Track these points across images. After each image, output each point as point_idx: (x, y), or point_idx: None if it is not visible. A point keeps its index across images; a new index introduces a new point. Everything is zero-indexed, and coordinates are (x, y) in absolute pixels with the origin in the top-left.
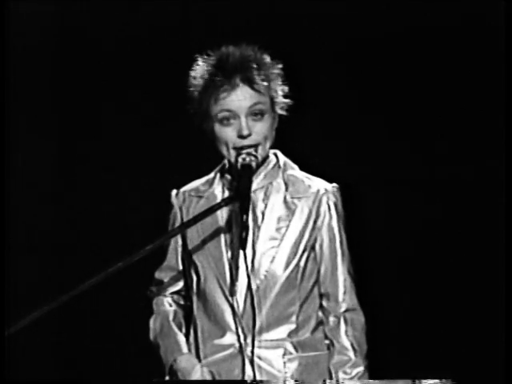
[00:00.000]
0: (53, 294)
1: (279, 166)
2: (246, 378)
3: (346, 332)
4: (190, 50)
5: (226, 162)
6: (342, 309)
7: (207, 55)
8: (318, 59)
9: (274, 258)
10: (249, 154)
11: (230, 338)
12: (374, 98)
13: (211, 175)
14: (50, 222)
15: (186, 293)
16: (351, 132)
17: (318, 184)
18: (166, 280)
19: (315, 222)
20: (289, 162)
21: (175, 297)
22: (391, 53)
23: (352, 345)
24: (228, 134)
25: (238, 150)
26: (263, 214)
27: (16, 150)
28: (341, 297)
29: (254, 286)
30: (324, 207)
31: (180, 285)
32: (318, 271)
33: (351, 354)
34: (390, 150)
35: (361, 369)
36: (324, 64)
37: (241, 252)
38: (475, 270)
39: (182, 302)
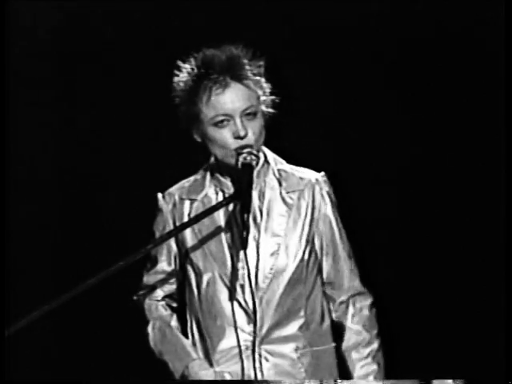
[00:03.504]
0: (53, 294)
1: (268, 163)
2: (259, 373)
3: (354, 315)
4: (172, 53)
5: (212, 162)
6: (349, 293)
7: (193, 57)
8: (297, 56)
9: (278, 254)
10: (250, 153)
11: (241, 338)
12: (371, 94)
13: (198, 176)
14: (50, 223)
15: (178, 296)
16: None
17: (308, 175)
18: (158, 284)
19: (312, 213)
20: (276, 156)
21: (167, 300)
22: (379, 46)
23: (363, 326)
24: (224, 135)
25: (238, 150)
26: (261, 212)
27: (16, 153)
28: (346, 283)
29: (261, 285)
30: (318, 198)
31: (173, 288)
32: (320, 262)
33: (363, 334)
34: (378, 144)
35: (374, 346)
36: (305, 61)
37: (246, 253)
38: (476, 264)
39: (174, 305)
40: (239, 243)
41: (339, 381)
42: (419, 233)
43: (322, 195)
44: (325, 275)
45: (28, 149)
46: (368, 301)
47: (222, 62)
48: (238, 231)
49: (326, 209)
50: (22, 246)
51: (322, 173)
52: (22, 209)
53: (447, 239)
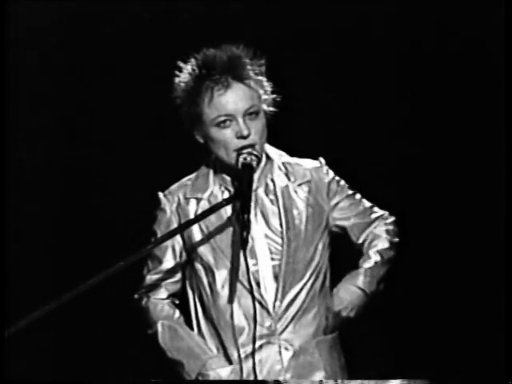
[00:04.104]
0: (53, 295)
1: (271, 159)
2: (280, 366)
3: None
4: (173, 53)
5: (214, 159)
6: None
7: (193, 58)
8: (298, 55)
9: (297, 248)
10: (250, 153)
11: (261, 333)
12: (372, 98)
13: (200, 174)
14: (50, 223)
15: (181, 294)
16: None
17: (309, 164)
18: (162, 283)
19: (322, 200)
20: (277, 150)
21: (171, 298)
22: (378, 46)
23: (386, 231)
24: (226, 136)
25: (239, 150)
26: (278, 209)
27: (16, 153)
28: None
29: (281, 280)
30: (324, 184)
31: (178, 287)
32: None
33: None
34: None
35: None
36: (305, 60)
37: (256, 250)
38: (476, 264)
39: (177, 302)
40: (244, 243)
41: (339, 381)
42: (418, 233)
43: (325, 180)
44: (356, 235)
45: (28, 149)
46: (390, 219)
47: (223, 62)
48: (239, 231)
49: (337, 192)
50: (22, 245)
51: (320, 159)
52: (22, 209)
53: (447, 239)
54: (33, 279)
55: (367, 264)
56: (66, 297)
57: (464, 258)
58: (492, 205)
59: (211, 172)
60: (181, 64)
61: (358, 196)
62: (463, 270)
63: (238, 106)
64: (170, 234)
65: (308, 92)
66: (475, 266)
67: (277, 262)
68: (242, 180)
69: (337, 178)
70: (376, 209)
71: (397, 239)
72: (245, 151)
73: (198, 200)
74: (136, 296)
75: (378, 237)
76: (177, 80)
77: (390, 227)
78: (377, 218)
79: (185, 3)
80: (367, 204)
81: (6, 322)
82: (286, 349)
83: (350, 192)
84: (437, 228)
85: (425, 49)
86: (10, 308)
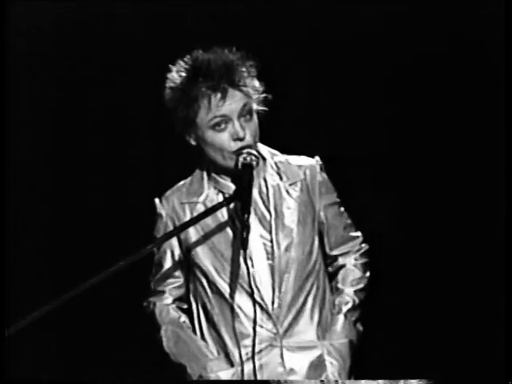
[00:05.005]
0: (53, 295)
1: (264, 158)
2: (282, 368)
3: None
4: (171, 55)
5: (207, 162)
6: (348, 244)
7: (187, 62)
8: (292, 56)
9: (290, 247)
10: (249, 153)
11: (263, 334)
12: (375, 103)
13: (194, 178)
14: (50, 224)
15: (186, 298)
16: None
17: (304, 162)
18: (166, 289)
19: (315, 199)
20: (269, 149)
21: (177, 303)
22: (377, 45)
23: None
24: (223, 138)
25: (238, 151)
26: (268, 209)
27: (16, 154)
28: (345, 238)
29: (277, 281)
30: (317, 182)
31: (182, 291)
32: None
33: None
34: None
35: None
36: (299, 61)
37: (252, 251)
38: (476, 265)
39: (184, 307)
40: (239, 243)
41: (340, 381)
42: (418, 233)
43: (317, 180)
44: (330, 245)
45: (28, 150)
46: (364, 248)
47: (219, 68)
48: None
49: (328, 193)
50: (22, 245)
51: (316, 157)
52: (23, 209)
53: (446, 239)
54: (33, 279)
55: (345, 307)
56: (66, 297)
57: (464, 259)
58: (492, 205)
59: (205, 175)
60: (175, 68)
61: (342, 209)
62: (463, 271)
63: (232, 106)
64: (168, 235)
65: (307, 91)
66: (475, 266)
67: (272, 262)
68: (242, 180)
69: (329, 183)
70: (353, 229)
71: (368, 273)
72: (244, 151)
73: (194, 204)
74: (144, 303)
75: (352, 272)
76: (169, 84)
77: (363, 260)
78: (354, 237)
79: (185, 3)
80: (348, 220)
81: (6, 321)
82: (292, 351)
83: (338, 200)
84: (436, 228)
85: (425, 49)
86: (10, 308)
